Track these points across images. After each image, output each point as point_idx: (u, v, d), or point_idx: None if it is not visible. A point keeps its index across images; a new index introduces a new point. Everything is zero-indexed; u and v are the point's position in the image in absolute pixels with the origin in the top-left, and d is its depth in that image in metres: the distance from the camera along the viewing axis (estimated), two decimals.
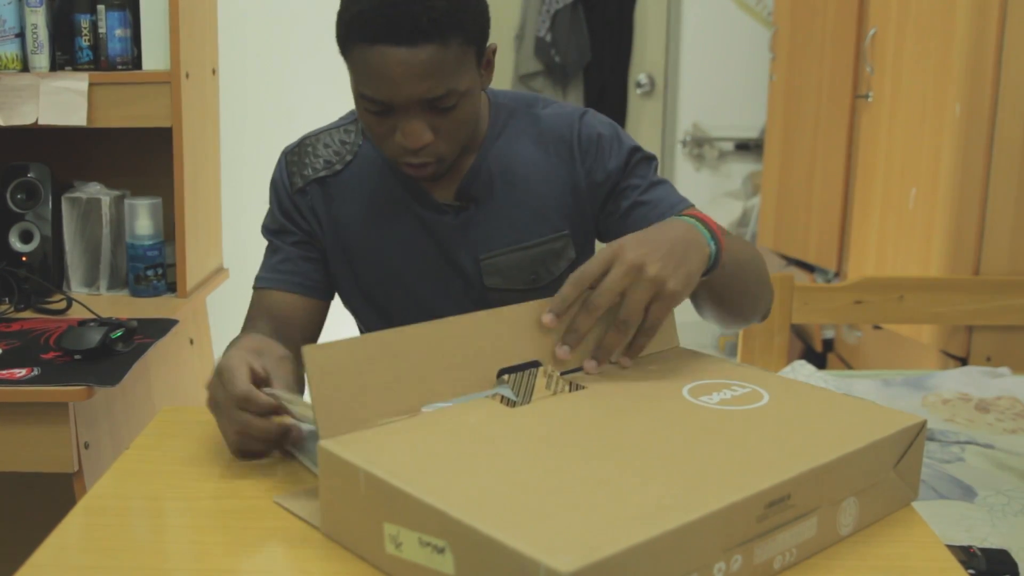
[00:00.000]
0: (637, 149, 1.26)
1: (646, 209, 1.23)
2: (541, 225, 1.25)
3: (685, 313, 1.53)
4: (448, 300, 1.27)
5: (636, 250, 0.94)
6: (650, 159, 1.27)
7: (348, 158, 1.27)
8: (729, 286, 1.11)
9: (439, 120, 1.11)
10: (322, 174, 1.27)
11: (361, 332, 1.39)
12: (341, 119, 1.32)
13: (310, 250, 1.29)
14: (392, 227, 1.26)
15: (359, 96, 1.11)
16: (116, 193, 1.94)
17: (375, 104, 1.09)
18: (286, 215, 1.29)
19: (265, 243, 1.32)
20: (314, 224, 1.28)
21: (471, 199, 1.25)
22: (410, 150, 1.12)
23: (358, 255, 1.28)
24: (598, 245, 1.13)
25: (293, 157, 1.29)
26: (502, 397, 0.90)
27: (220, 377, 0.95)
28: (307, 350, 0.81)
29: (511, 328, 0.94)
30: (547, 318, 0.94)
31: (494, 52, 1.16)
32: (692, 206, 1.21)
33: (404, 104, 1.08)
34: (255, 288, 1.30)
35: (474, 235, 1.25)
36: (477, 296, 1.27)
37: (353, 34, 1.06)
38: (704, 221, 1.03)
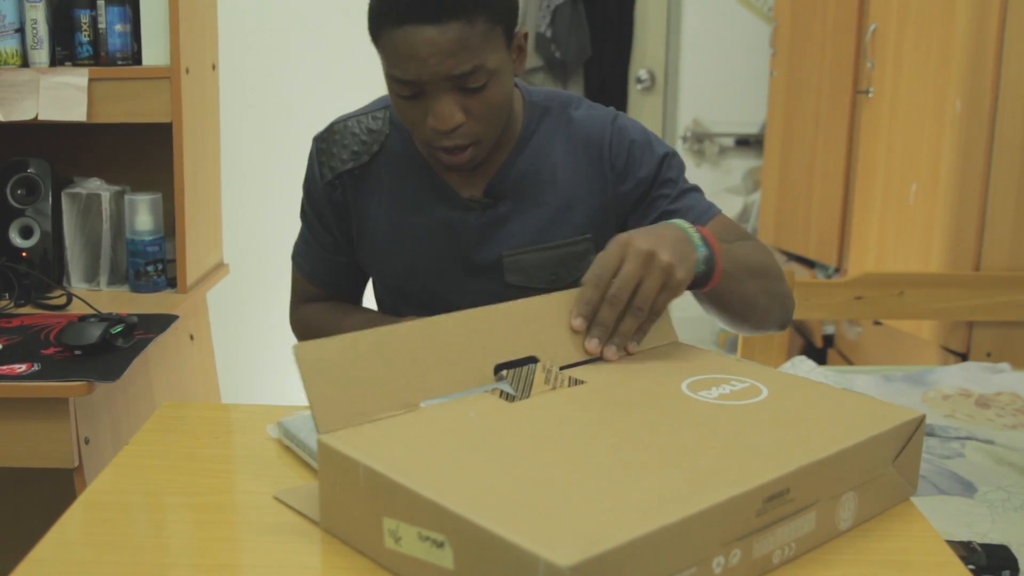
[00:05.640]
0: (667, 156, 1.28)
1: (677, 217, 1.23)
2: (565, 226, 1.26)
3: (686, 308, 1.54)
4: (467, 296, 1.27)
5: (645, 241, 0.98)
6: (680, 166, 1.30)
7: (375, 148, 1.28)
8: (730, 294, 1.12)
9: (470, 101, 1.12)
10: (349, 166, 1.29)
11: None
12: (372, 104, 1.33)
13: (338, 252, 1.34)
14: (415, 222, 1.27)
15: (391, 81, 1.13)
16: (116, 189, 1.94)
17: (406, 86, 1.11)
18: (317, 211, 1.32)
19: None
20: (344, 217, 1.31)
21: (500, 196, 1.25)
22: (443, 132, 1.13)
23: (382, 247, 1.30)
24: None
25: (323, 145, 1.30)
26: (501, 392, 0.90)
27: None
28: (298, 348, 0.81)
29: (507, 323, 0.95)
30: (576, 323, 0.98)
31: (525, 38, 1.19)
32: (720, 212, 1.26)
33: (433, 82, 1.10)
34: (295, 263, 1.40)
35: (499, 232, 1.26)
36: (497, 293, 1.27)
37: (382, 18, 1.09)
38: (698, 231, 1.06)
